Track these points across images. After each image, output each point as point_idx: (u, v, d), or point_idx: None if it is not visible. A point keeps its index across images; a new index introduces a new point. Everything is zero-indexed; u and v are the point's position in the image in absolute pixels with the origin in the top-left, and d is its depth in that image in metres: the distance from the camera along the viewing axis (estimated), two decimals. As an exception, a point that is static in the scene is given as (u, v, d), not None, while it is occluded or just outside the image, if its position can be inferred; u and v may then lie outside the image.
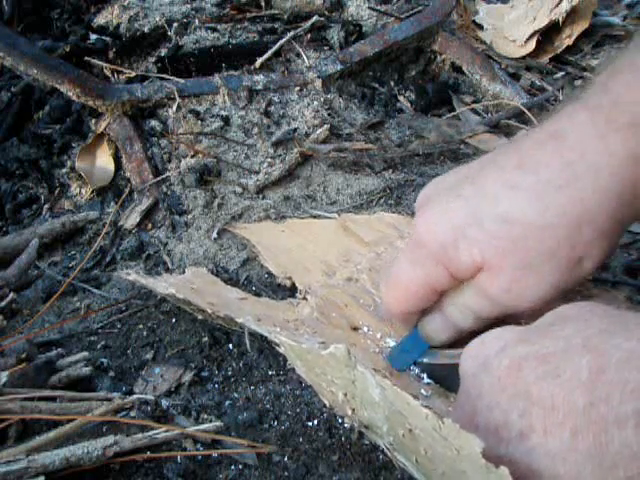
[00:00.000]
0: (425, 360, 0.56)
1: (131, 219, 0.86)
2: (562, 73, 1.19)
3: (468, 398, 0.42)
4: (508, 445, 0.37)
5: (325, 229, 0.80)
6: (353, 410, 0.50)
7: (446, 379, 0.54)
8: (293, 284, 0.71)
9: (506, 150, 0.51)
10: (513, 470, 0.34)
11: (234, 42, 1.10)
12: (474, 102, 1.12)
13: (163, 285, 0.66)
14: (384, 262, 0.71)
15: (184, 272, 0.74)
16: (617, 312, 0.40)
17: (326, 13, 1.20)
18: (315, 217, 0.84)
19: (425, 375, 0.56)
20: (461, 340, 0.52)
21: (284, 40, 1.09)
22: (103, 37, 1.08)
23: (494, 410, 0.39)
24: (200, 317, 0.68)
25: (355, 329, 0.62)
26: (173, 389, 0.62)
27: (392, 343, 0.60)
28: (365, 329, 0.62)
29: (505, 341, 0.42)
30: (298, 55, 1.09)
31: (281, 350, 0.56)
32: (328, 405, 0.55)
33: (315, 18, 1.15)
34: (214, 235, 0.81)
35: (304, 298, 0.67)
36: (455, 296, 0.52)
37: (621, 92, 0.46)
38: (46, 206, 0.93)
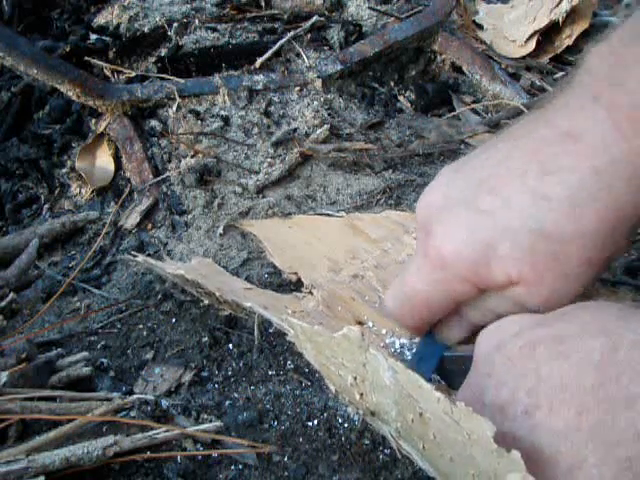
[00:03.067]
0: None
1: (131, 219, 0.86)
2: (562, 73, 1.19)
3: (477, 377, 0.42)
4: (513, 422, 0.37)
5: (332, 226, 0.80)
6: (361, 395, 0.50)
7: (454, 374, 0.54)
8: (296, 282, 0.72)
9: (518, 149, 0.48)
10: (515, 447, 0.34)
11: (234, 42, 1.10)
12: (474, 102, 1.12)
13: (172, 267, 0.67)
14: (391, 259, 0.71)
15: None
16: (632, 305, 0.40)
17: (326, 13, 1.20)
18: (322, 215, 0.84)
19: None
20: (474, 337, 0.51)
21: (284, 40, 1.09)
22: (103, 37, 1.08)
23: (502, 388, 0.39)
24: (206, 301, 0.68)
25: (360, 323, 0.62)
26: (173, 389, 0.62)
27: (397, 341, 0.60)
28: (370, 324, 0.62)
29: (521, 325, 0.42)
30: (298, 55, 1.09)
31: (290, 334, 0.55)
32: (334, 391, 0.55)
33: (315, 18, 1.15)
34: (220, 231, 0.81)
35: (310, 292, 0.67)
36: (479, 303, 0.50)
37: (638, 89, 0.44)
38: (46, 206, 0.93)
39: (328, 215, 0.83)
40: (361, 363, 0.45)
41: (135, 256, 0.72)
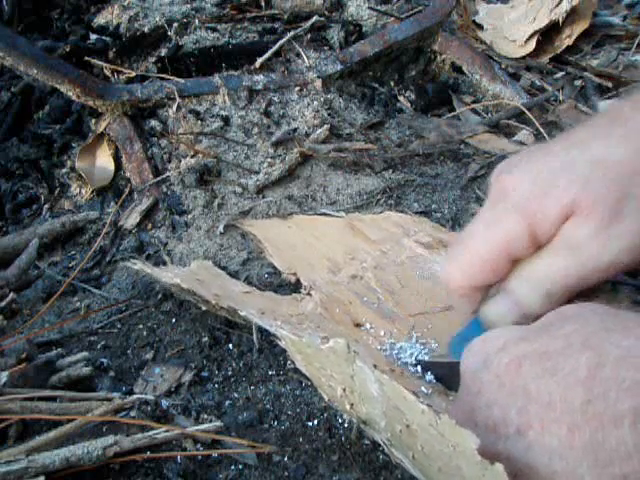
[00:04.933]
0: (427, 358, 0.56)
1: (131, 219, 0.86)
2: (562, 73, 1.19)
3: (467, 395, 0.42)
4: (506, 442, 0.37)
5: (332, 227, 0.80)
6: (352, 405, 0.50)
7: (449, 377, 0.54)
8: (295, 283, 0.72)
9: (581, 128, 0.52)
10: (510, 467, 0.34)
11: (234, 42, 1.10)
12: (474, 102, 1.12)
13: (169, 275, 0.67)
14: (390, 260, 0.71)
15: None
16: (617, 312, 0.40)
17: (326, 13, 1.20)
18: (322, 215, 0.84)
19: (429, 373, 0.56)
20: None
21: (284, 40, 1.09)
22: (103, 37, 1.08)
23: (493, 407, 0.39)
24: (204, 308, 0.68)
25: (358, 325, 0.62)
26: (173, 389, 0.62)
27: (395, 342, 0.60)
28: (368, 326, 0.62)
29: (506, 339, 0.42)
30: (298, 55, 1.09)
31: (282, 344, 0.56)
32: (327, 400, 0.55)
33: (315, 18, 1.15)
34: (220, 230, 0.82)
35: (308, 294, 0.67)
36: (526, 267, 0.50)
37: None
38: (46, 206, 0.93)
39: (328, 215, 0.83)
40: (349, 375, 0.45)
41: (134, 263, 0.72)
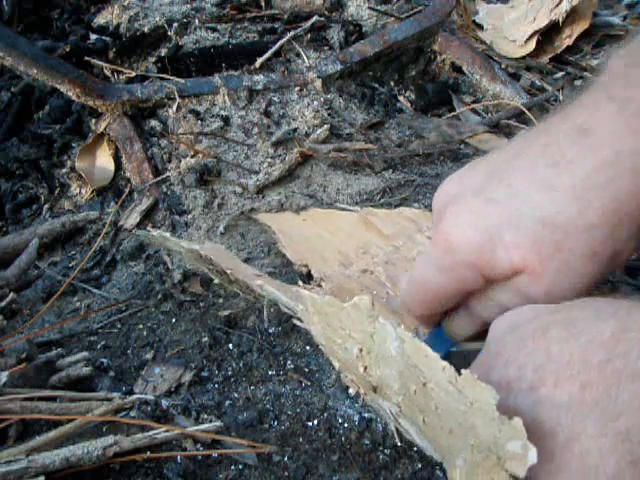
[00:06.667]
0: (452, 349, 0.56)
1: (131, 219, 0.86)
2: (562, 73, 1.19)
3: (487, 357, 0.42)
4: (516, 398, 0.37)
5: (345, 221, 0.81)
6: (365, 368, 0.49)
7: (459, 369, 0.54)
8: (304, 274, 0.72)
9: (531, 144, 0.50)
10: None
11: (234, 42, 1.10)
12: (474, 102, 1.12)
13: (187, 242, 0.67)
14: (401, 255, 0.71)
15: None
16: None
17: (326, 13, 1.20)
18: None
19: None
20: (481, 333, 0.51)
21: (284, 40, 1.09)
22: (103, 37, 1.08)
23: (510, 366, 0.39)
24: (216, 280, 0.68)
25: None
26: (173, 389, 0.62)
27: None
28: None
29: (538, 311, 0.42)
30: (298, 55, 1.09)
31: (298, 309, 0.55)
32: (337, 367, 0.55)
33: (315, 18, 1.15)
34: (220, 230, 0.82)
35: (319, 285, 0.68)
36: (485, 294, 0.51)
37: None
38: (46, 206, 0.93)
39: (343, 209, 0.84)
40: (369, 333, 0.45)
41: (149, 231, 0.72)
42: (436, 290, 0.51)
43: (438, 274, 0.51)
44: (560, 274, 0.46)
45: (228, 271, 0.63)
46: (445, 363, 0.38)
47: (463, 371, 0.37)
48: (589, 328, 0.37)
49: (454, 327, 0.54)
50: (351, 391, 0.54)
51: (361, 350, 0.48)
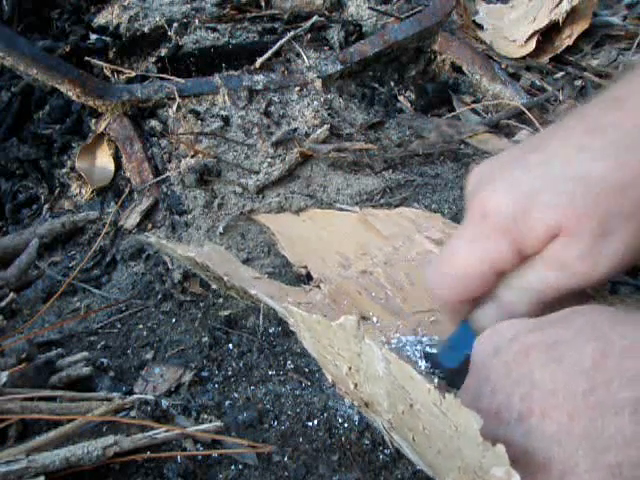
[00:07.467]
0: (435, 351, 0.56)
1: (131, 219, 0.86)
2: (562, 73, 1.19)
3: (475, 382, 0.42)
4: (507, 427, 0.37)
5: (345, 221, 0.81)
6: (355, 385, 0.50)
7: (453, 375, 0.53)
8: (303, 276, 0.72)
9: (570, 118, 0.50)
10: (509, 453, 0.34)
11: (234, 42, 1.10)
12: (474, 102, 1.12)
13: (184, 248, 0.67)
14: (400, 257, 0.72)
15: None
16: (629, 309, 0.41)
17: (326, 13, 1.20)
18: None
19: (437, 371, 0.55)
20: None
21: (284, 40, 1.09)
22: (103, 37, 1.08)
23: (497, 394, 0.39)
24: (214, 286, 0.68)
25: (364, 319, 0.62)
26: (173, 389, 0.62)
27: (401, 337, 0.60)
28: (374, 320, 0.62)
29: (517, 330, 0.42)
30: (298, 55, 1.09)
31: (290, 322, 0.55)
32: (331, 381, 0.55)
33: (315, 18, 1.15)
34: (220, 230, 0.82)
35: (318, 286, 0.68)
36: (515, 278, 0.49)
37: None
38: (46, 206, 0.93)
39: (342, 210, 0.84)
40: (356, 353, 0.45)
41: (147, 237, 0.73)
42: (467, 266, 0.49)
43: (469, 247, 0.49)
44: (596, 236, 0.45)
45: (225, 278, 0.63)
46: (430, 386, 0.38)
47: (447, 395, 0.37)
48: (569, 352, 0.37)
49: (481, 319, 0.52)
50: (346, 401, 0.54)
51: (350, 368, 0.48)
